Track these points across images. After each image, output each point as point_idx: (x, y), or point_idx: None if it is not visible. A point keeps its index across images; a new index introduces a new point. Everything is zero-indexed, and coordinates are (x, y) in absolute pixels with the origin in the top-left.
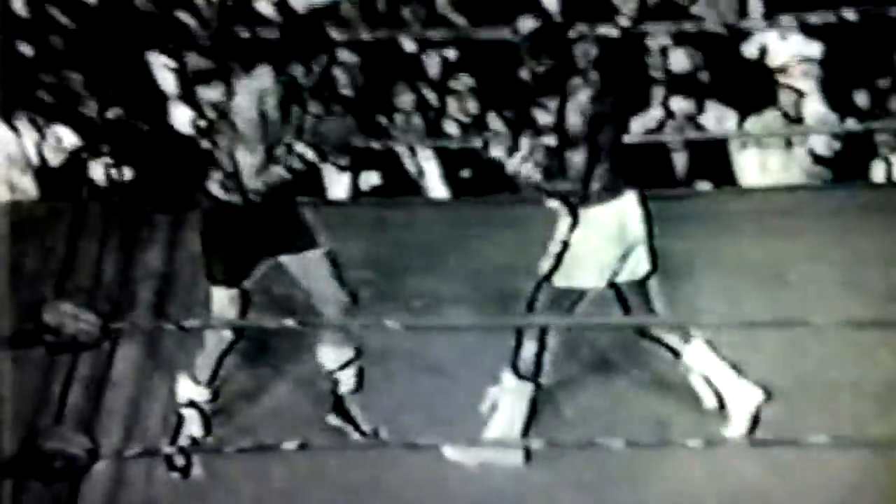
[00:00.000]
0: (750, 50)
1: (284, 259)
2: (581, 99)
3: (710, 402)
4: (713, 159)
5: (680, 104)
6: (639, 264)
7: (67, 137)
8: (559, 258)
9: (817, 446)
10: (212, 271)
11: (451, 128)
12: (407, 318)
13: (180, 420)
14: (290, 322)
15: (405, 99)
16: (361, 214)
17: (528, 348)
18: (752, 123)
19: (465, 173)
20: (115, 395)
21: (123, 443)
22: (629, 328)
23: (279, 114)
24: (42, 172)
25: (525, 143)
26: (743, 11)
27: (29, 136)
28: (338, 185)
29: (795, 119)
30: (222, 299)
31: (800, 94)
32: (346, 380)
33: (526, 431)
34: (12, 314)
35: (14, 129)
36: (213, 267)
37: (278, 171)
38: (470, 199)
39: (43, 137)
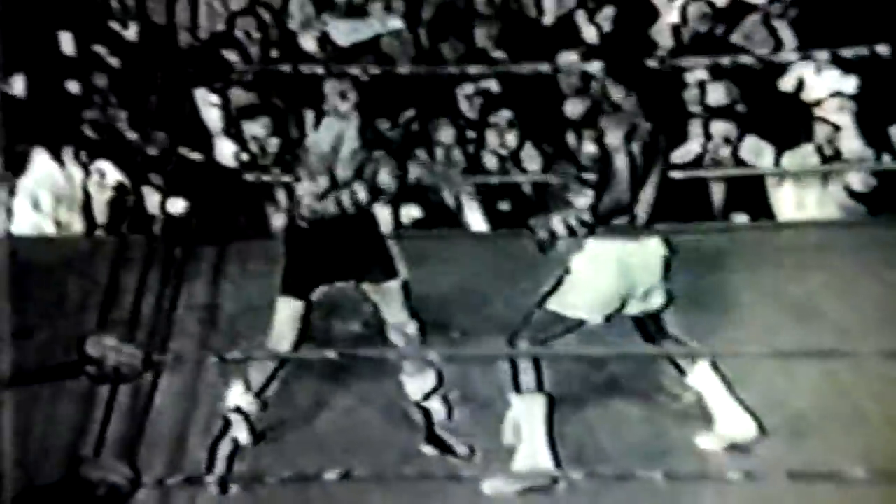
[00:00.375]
0: (787, 84)
1: (366, 286)
2: (617, 133)
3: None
4: (750, 192)
5: (717, 137)
6: (652, 298)
7: (111, 173)
8: (559, 283)
9: (855, 480)
10: (284, 280)
11: (490, 161)
12: (446, 350)
13: (227, 424)
14: (331, 354)
15: (445, 133)
16: (402, 247)
17: (525, 367)
18: (789, 158)
19: (504, 206)
20: (158, 425)
21: (166, 472)
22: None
23: (350, 154)
24: (86, 207)
25: (557, 220)
26: (777, 45)
27: (74, 171)
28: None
29: (831, 154)
30: (286, 310)
31: (835, 128)
32: (437, 408)
33: (552, 441)
34: (56, 346)
35: (61, 164)
36: (286, 276)
37: (330, 205)
38: (509, 232)
39: (87, 173)
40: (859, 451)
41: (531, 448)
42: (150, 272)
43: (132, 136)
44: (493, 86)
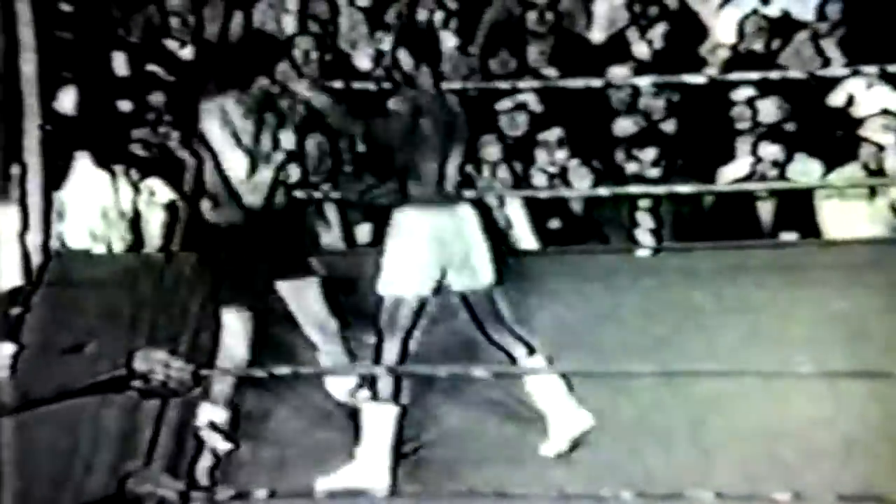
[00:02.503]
0: (836, 99)
1: (280, 285)
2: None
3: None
4: (799, 210)
5: (767, 155)
6: (479, 273)
7: (162, 191)
8: (381, 266)
9: None
10: (221, 293)
11: (539, 179)
12: (493, 368)
13: (200, 442)
14: (363, 369)
15: (492, 150)
16: None
17: (384, 371)
18: (836, 176)
19: (554, 223)
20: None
21: (215, 486)
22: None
23: None
24: (135, 224)
25: None
26: (825, 63)
27: (124, 189)
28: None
29: (876, 170)
30: (234, 323)
31: (880, 148)
32: (362, 398)
33: (396, 455)
34: (105, 362)
35: (111, 175)
36: (222, 289)
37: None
38: (558, 250)
39: (137, 191)
40: None
41: (375, 452)
42: (199, 288)
43: (184, 154)
44: (531, 101)
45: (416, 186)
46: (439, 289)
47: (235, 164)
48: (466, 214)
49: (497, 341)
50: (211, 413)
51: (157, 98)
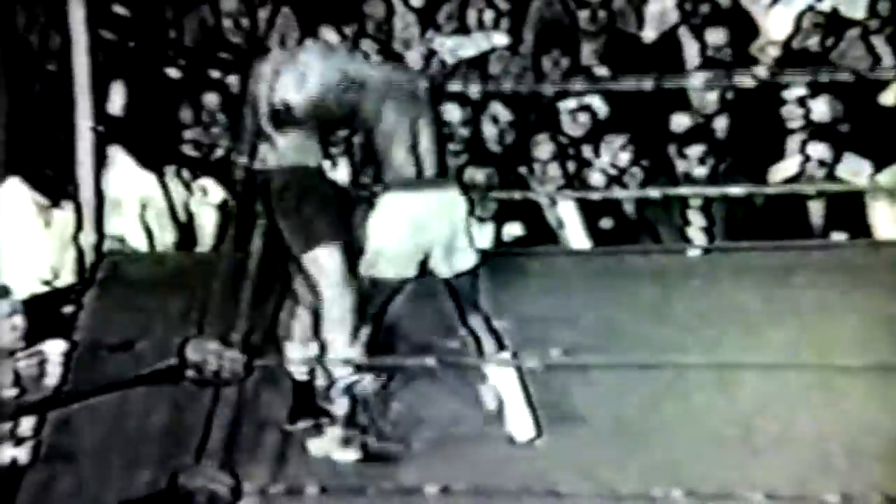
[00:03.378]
0: (888, 98)
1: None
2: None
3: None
4: (850, 210)
5: (815, 160)
6: (461, 256)
7: (214, 190)
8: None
9: None
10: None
11: (596, 179)
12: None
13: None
14: (430, 361)
15: (544, 149)
16: (505, 264)
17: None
18: (885, 176)
19: (607, 223)
20: (260, 434)
21: (268, 481)
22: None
23: None
24: (188, 224)
25: None
26: (875, 61)
27: (176, 189)
28: (481, 236)
29: None
30: (328, 260)
31: None
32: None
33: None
34: (157, 355)
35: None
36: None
37: None
38: (611, 250)
39: (190, 191)
40: None
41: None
42: (252, 286)
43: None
44: (595, 102)
45: (390, 171)
46: (423, 272)
47: None
48: (453, 199)
49: (472, 328)
50: (344, 352)
51: (210, 99)
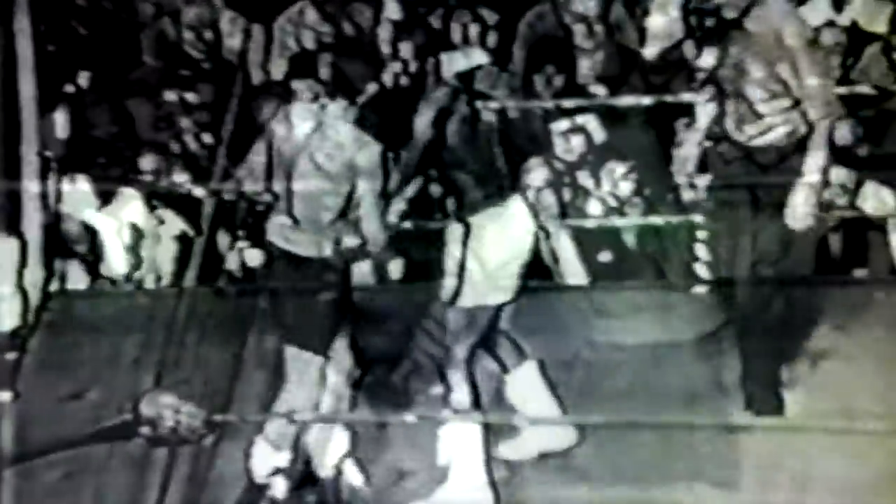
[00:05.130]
0: None
1: None
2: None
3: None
4: (870, 244)
5: (835, 185)
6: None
7: (172, 221)
8: (461, 278)
9: None
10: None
11: (594, 208)
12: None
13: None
14: (410, 418)
15: (537, 175)
16: None
17: (457, 382)
18: None
19: (605, 257)
20: (220, 494)
21: None
22: None
23: None
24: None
25: None
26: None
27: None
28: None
29: None
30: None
31: None
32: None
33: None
34: (111, 405)
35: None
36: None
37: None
38: (610, 284)
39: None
40: None
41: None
42: (213, 327)
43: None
44: (590, 122)
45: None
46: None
47: None
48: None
49: (494, 350)
50: (274, 460)
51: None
